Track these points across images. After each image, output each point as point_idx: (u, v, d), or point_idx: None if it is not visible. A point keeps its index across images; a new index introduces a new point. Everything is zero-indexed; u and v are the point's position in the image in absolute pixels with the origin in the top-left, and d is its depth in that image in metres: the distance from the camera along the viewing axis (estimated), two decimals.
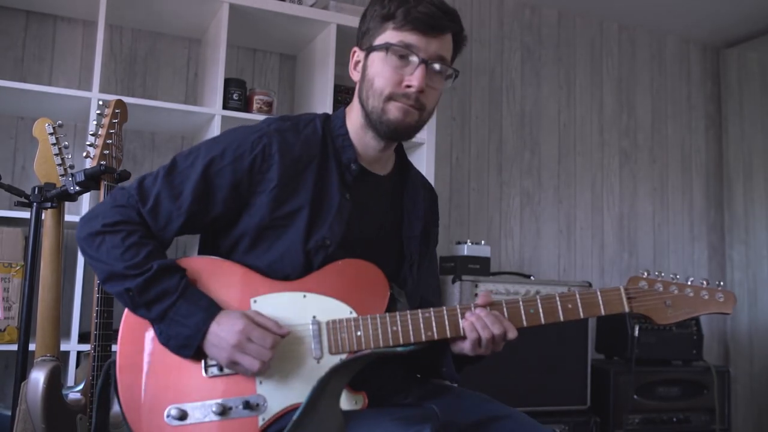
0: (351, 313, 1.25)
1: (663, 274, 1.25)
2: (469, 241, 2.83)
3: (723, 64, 4.01)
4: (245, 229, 1.28)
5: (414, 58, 1.27)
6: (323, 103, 2.61)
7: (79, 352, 2.21)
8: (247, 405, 1.18)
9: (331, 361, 1.22)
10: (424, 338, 1.24)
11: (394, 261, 1.38)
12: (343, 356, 1.22)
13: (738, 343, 3.76)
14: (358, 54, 1.37)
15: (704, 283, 1.26)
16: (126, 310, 1.23)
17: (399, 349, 1.23)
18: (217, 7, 2.51)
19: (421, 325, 1.24)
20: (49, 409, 1.48)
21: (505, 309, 1.25)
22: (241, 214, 1.29)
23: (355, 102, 1.36)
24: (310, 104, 2.75)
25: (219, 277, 1.25)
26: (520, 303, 1.25)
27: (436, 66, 1.29)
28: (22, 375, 1.68)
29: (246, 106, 2.61)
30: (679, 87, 3.95)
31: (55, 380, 1.51)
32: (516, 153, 3.48)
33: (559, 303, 1.24)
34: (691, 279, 1.26)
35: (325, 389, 1.16)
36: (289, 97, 3.01)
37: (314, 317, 1.24)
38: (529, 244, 3.46)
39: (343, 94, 2.74)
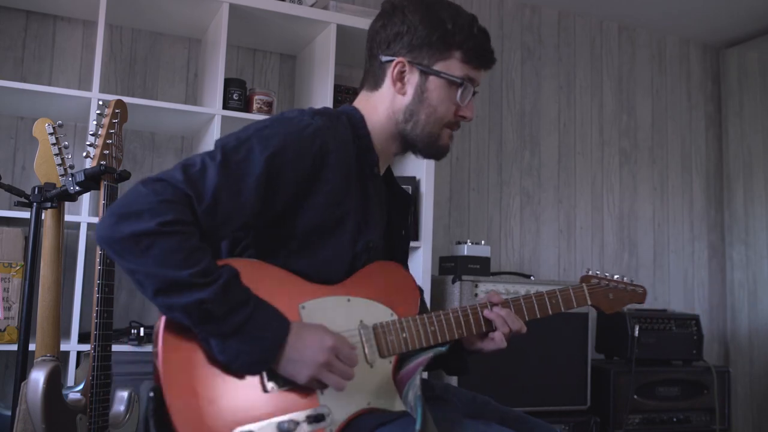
0: (392, 315, 1.27)
1: (600, 273, 1.53)
2: (469, 241, 2.83)
3: (723, 64, 4.01)
4: (296, 230, 1.20)
5: (471, 91, 1.35)
6: (323, 103, 2.61)
7: (79, 352, 2.21)
8: (314, 418, 1.11)
9: (382, 364, 1.23)
10: (456, 336, 1.31)
11: (396, 260, 1.40)
12: (391, 358, 1.24)
13: (738, 343, 3.76)
14: (406, 67, 1.31)
15: (630, 279, 1.56)
16: (163, 329, 1.06)
17: (442, 348, 1.25)
18: (217, 7, 2.51)
19: (453, 324, 1.31)
20: (49, 409, 1.48)
21: (512, 306, 1.38)
22: (293, 214, 1.19)
23: (387, 111, 1.34)
24: (310, 104, 2.75)
25: (262, 281, 1.14)
26: (522, 300, 1.39)
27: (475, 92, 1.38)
28: (22, 375, 1.68)
29: (246, 106, 2.61)
30: (679, 87, 3.95)
31: (55, 380, 1.51)
32: (516, 153, 3.48)
33: (547, 299, 1.42)
34: (616, 276, 1.53)
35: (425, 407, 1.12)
36: (289, 97, 3.01)
37: (361, 321, 1.23)
38: (529, 244, 3.46)
39: (343, 94, 2.74)
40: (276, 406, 1.10)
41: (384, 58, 1.33)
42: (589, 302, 1.47)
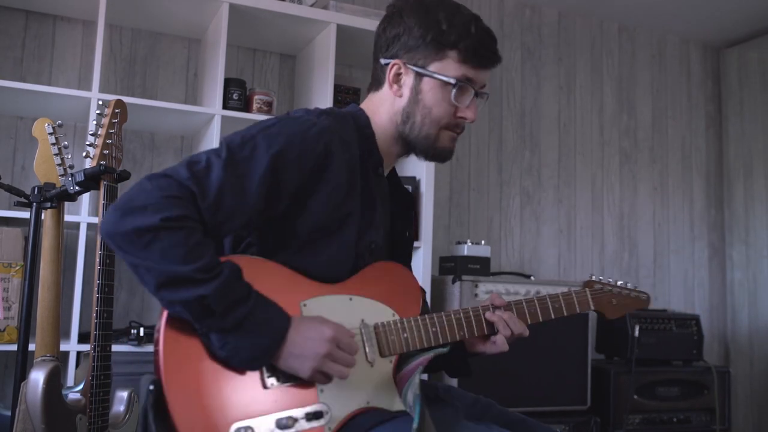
0: (393, 315, 1.27)
1: (604, 278, 1.52)
2: (469, 241, 2.83)
3: (723, 64, 4.01)
4: (299, 229, 1.20)
5: (471, 92, 1.31)
6: (323, 103, 2.61)
7: (78, 352, 2.21)
8: (313, 415, 1.12)
9: (383, 364, 1.23)
10: (458, 338, 1.31)
11: (398, 261, 1.39)
12: (392, 358, 1.24)
13: (738, 343, 3.76)
14: (401, 68, 1.32)
15: (633, 285, 1.55)
16: (164, 325, 1.08)
17: (442, 349, 1.26)
18: (217, 6, 2.50)
19: (455, 326, 1.31)
20: (48, 409, 1.48)
21: (514, 309, 1.37)
22: (297, 213, 1.20)
23: (388, 113, 1.34)
24: (310, 104, 2.75)
25: (264, 278, 1.15)
26: (524, 303, 1.39)
27: (480, 94, 1.34)
28: (22, 375, 1.67)
29: (246, 106, 2.61)
30: (679, 86, 3.94)
31: (55, 380, 1.51)
32: (516, 153, 3.48)
33: (550, 303, 1.41)
34: (620, 282, 1.53)
35: (424, 408, 1.13)
36: (289, 97, 3.01)
37: (363, 320, 1.23)
38: (529, 244, 3.46)
39: (343, 93, 2.74)
40: (275, 403, 1.10)
41: (383, 61, 1.34)
42: (592, 307, 1.47)
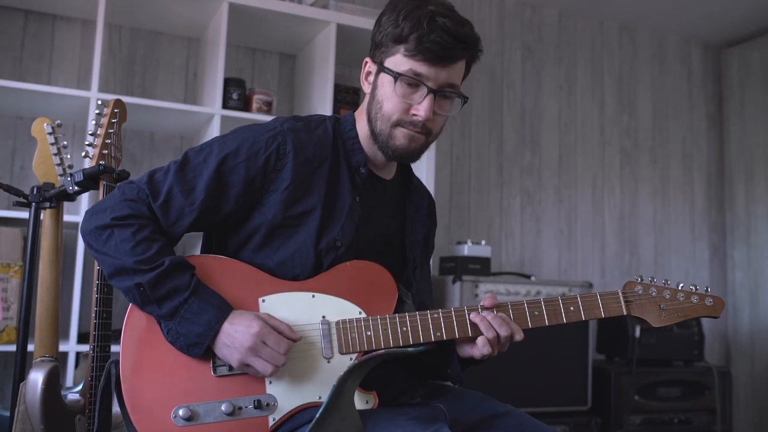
0: (360, 313, 1.26)
1: (655, 280, 1.30)
2: (469, 241, 2.83)
3: (724, 64, 4.00)
4: (256, 227, 1.27)
5: (423, 88, 1.26)
6: (323, 103, 2.60)
7: (77, 353, 2.21)
8: (258, 404, 1.17)
9: (341, 360, 1.22)
10: (433, 339, 1.26)
11: (397, 264, 1.38)
12: (353, 356, 1.23)
13: (739, 343, 3.76)
14: (370, 65, 1.34)
15: (694, 288, 1.30)
16: (129, 309, 1.20)
17: (410, 349, 1.24)
18: (217, 6, 2.50)
19: (431, 326, 1.26)
20: (47, 409, 1.47)
21: (510, 311, 1.27)
22: (252, 212, 1.27)
23: (364, 112, 1.34)
24: (310, 104, 2.74)
25: (226, 275, 1.23)
26: (525, 305, 1.27)
27: (445, 93, 1.28)
28: (21, 375, 1.67)
29: (245, 105, 2.61)
30: (680, 86, 3.94)
31: (54, 381, 1.50)
32: (516, 153, 3.48)
33: (561, 306, 1.27)
34: (681, 284, 1.30)
35: (343, 388, 1.16)
36: (289, 97, 3.00)
37: (324, 317, 1.24)
38: (530, 244, 3.45)
39: (343, 93, 2.73)
40: (222, 390, 1.17)
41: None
42: (625, 312, 1.27)
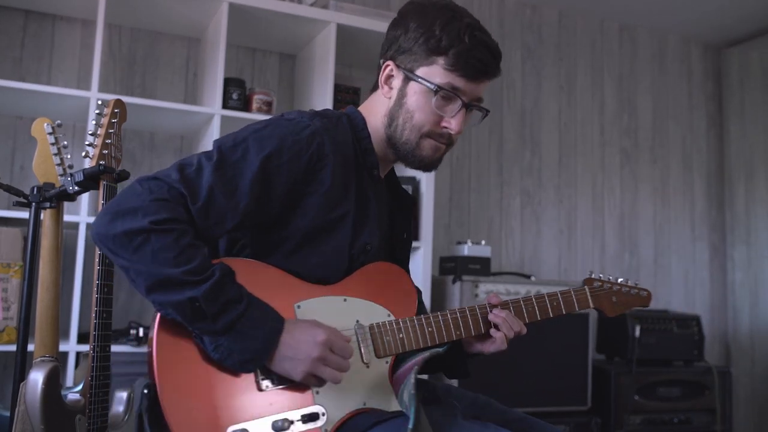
0: (389, 316, 1.27)
1: (604, 276, 1.50)
2: (469, 241, 2.82)
3: (724, 64, 4.00)
4: (292, 230, 1.20)
5: (458, 102, 1.26)
6: (323, 103, 2.60)
7: (78, 353, 2.21)
8: (308, 417, 1.11)
9: (379, 364, 1.23)
10: (454, 337, 1.30)
11: (392, 262, 1.39)
12: (388, 359, 1.24)
13: (739, 343, 3.76)
14: (393, 70, 1.31)
15: (631, 282, 1.52)
16: (157, 327, 1.07)
17: (440, 349, 1.26)
18: (217, 6, 2.50)
19: (451, 325, 1.30)
20: (47, 409, 1.47)
21: (512, 308, 1.36)
22: (289, 215, 1.20)
23: (380, 115, 1.33)
24: (310, 104, 2.74)
25: (259, 280, 1.15)
26: (521, 302, 1.37)
27: (475, 107, 1.31)
28: (21, 375, 1.67)
29: (245, 105, 2.61)
30: (680, 86, 3.94)
31: (54, 381, 1.50)
32: (516, 153, 3.48)
33: (548, 301, 1.39)
34: (621, 279, 1.50)
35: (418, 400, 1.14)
36: (289, 97, 3.00)
37: (357, 321, 1.23)
38: (530, 244, 3.45)
39: (343, 93, 2.73)
40: (271, 405, 1.10)
41: (381, 61, 1.34)
42: (592, 305, 1.44)
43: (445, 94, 1.25)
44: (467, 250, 2.79)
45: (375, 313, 1.25)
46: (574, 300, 1.42)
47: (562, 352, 2.78)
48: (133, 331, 2.29)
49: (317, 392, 1.14)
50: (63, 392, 1.59)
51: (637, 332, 2.95)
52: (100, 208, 1.66)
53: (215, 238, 1.17)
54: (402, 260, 1.42)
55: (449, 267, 2.83)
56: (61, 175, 1.74)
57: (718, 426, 3.03)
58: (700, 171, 3.93)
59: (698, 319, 3.17)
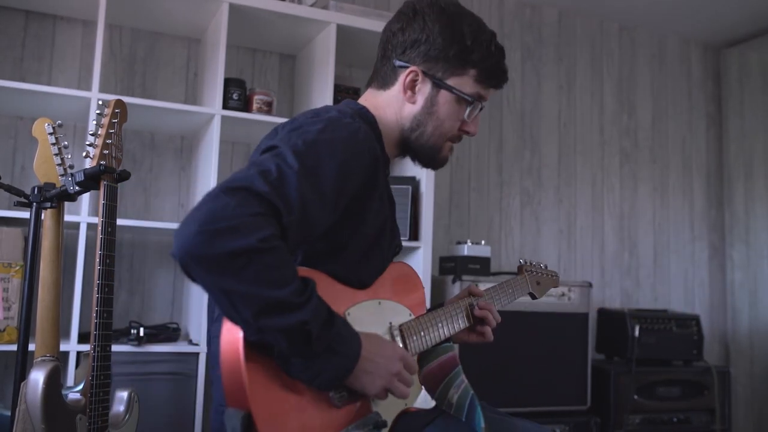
0: (410, 315, 1.29)
1: (528, 261, 1.68)
2: (469, 241, 2.83)
3: (723, 64, 4.01)
4: (349, 236, 1.16)
5: (479, 108, 1.32)
6: (323, 103, 2.60)
7: (78, 353, 2.21)
8: (376, 424, 1.12)
9: None
10: (456, 331, 1.36)
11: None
12: (415, 357, 1.27)
13: (738, 343, 3.76)
14: (419, 76, 1.29)
15: (544, 265, 1.72)
16: (244, 353, 0.98)
17: (455, 345, 1.33)
18: (217, 6, 2.50)
19: (453, 320, 1.35)
20: (48, 409, 1.47)
21: (494, 300, 1.48)
22: (348, 221, 1.15)
23: (394, 115, 1.32)
24: (310, 104, 2.75)
25: (318, 290, 1.07)
26: (492, 292, 1.50)
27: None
28: (22, 375, 1.67)
29: (246, 105, 2.61)
30: (679, 86, 3.94)
31: (55, 380, 1.51)
32: (516, 153, 3.48)
33: (513, 289, 1.56)
34: (539, 263, 1.69)
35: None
36: (289, 97, 3.00)
37: (390, 323, 1.24)
38: (530, 243, 3.46)
39: (343, 93, 2.73)
40: (345, 418, 1.10)
41: (398, 63, 1.30)
42: (530, 289, 1.61)
43: (476, 103, 1.30)
44: (467, 250, 2.80)
45: (400, 313, 1.27)
46: (528, 283, 1.61)
47: (561, 352, 2.78)
48: (133, 331, 2.29)
49: (373, 400, 1.15)
50: (64, 392, 1.59)
51: (637, 332, 2.95)
52: (100, 208, 1.66)
53: (294, 250, 1.09)
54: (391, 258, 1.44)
55: (449, 267, 2.84)
56: (62, 175, 1.74)
57: (717, 426, 3.04)
58: (699, 171, 3.93)
59: (697, 318, 3.17)
